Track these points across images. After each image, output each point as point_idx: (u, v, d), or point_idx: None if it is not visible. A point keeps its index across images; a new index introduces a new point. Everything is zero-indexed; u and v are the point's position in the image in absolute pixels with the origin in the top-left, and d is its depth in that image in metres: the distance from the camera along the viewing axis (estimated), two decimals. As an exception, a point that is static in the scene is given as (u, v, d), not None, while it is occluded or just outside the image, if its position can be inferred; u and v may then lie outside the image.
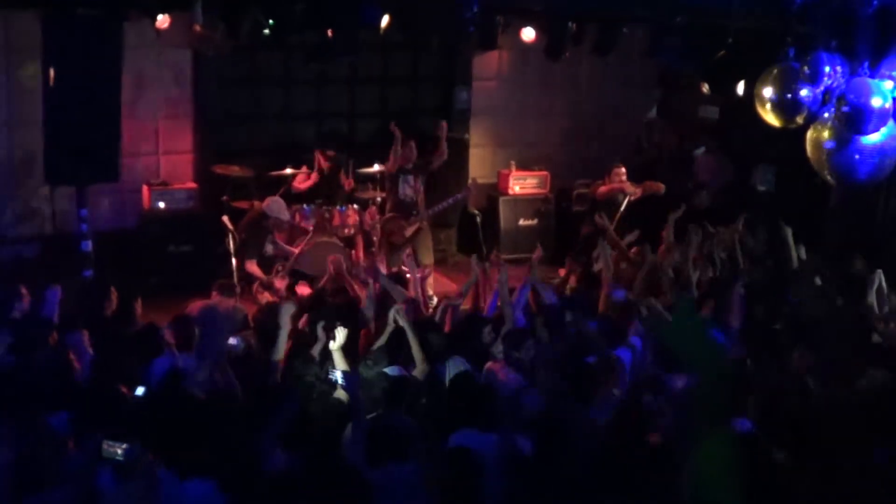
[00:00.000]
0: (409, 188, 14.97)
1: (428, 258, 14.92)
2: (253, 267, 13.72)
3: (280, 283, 13.35)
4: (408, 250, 13.75)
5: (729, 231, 14.05)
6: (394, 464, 7.06)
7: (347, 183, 15.56)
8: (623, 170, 15.27)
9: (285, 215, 13.99)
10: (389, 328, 9.72)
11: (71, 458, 6.91)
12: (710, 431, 2.76)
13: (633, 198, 14.89)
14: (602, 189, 15.61)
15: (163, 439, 7.09)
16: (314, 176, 15.49)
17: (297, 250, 13.95)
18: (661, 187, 15.70)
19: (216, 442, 7.03)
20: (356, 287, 11.78)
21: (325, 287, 12.20)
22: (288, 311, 9.22)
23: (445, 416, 8.36)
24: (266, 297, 13.33)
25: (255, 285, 13.61)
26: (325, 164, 15.46)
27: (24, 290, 10.71)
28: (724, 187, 17.58)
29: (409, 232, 14.86)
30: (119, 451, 5.55)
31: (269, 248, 13.93)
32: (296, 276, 13.68)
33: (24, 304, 10.66)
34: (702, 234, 13.61)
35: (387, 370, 8.95)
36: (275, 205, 13.97)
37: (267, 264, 13.83)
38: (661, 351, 9.20)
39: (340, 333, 9.22)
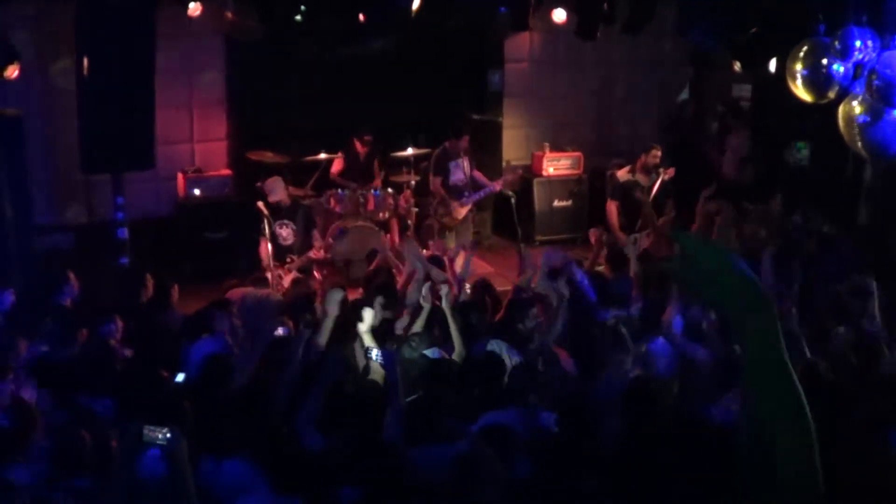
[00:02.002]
0: (461, 172, 15.04)
1: (469, 238, 15.08)
2: (262, 249, 13.67)
3: (287, 276, 13.33)
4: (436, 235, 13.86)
5: (764, 209, 14.01)
6: (431, 444, 7.10)
7: (377, 174, 15.62)
8: (658, 151, 15.16)
9: (276, 197, 13.84)
10: (425, 310, 9.73)
11: (113, 444, 6.97)
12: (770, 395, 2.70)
13: (665, 177, 14.78)
14: (621, 172, 15.49)
15: (202, 422, 7.16)
16: (340, 161, 15.52)
17: (318, 253, 13.80)
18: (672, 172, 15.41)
19: (255, 423, 7.09)
20: (400, 269, 11.79)
21: (378, 270, 12.25)
22: (335, 297, 9.19)
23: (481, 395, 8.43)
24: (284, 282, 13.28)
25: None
26: (361, 150, 15.47)
27: (71, 276, 10.84)
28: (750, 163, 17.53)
29: (460, 215, 14.96)
30: (160, 436, 5.59)
31: (282, 235, 13.81)
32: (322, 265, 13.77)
33: (74, 290, 10.78)
34: (735, 211, 13.61)
35: (426, 352, 8.97)
36: (271, 184, 13.89)
37: (281, 252, 13.80)
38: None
39: (368, 314, 9.24)
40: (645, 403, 7.62)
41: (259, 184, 14.23)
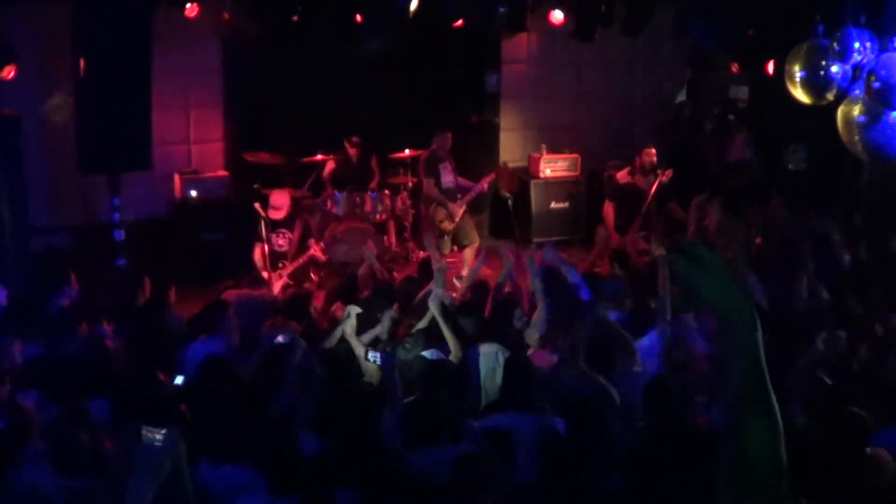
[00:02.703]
0: (450, 175, 14.99)
1: (475, 237, 15.06)
2: (256, 254, 13.68)
3: (277, 283, 13.26)
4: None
5: (763, 212, 13.99)
6: (430, 446, 7.08)
7: (376, 173, 15.59)
8: (653, 150, 15.19)
9: (279, 214, 13.85)
10: (429, 314, 9.68)
11: (110, 444, 6.95)
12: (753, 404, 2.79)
13: (663, 178, 14.79)
14: (621, 174, 15.50)
15: (200, 423, 7.14)
16: (330, 164, 15.50)
17: (317, 252, 13.82)
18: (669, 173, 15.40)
19: (253, 426, 7.07)
20: (393, 272, 11.76)
21: (357, 273, 12.18)
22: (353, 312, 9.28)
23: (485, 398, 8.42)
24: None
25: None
26: (352, 152, 15.44)
27: (73, 277, 10.83)
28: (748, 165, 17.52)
29: (458, 217, 14.90)
30: (158, 437, 5.57)
31: (278, 242, 13.77)
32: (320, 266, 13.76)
33: (73, 291, 10.76)
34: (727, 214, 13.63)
35: (425, 353, 8.94)
36: (277, 200, 13.94)
37: (275, 258, 13.74)
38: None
39: (353, 315, 9.24)
40: (666, 404, 7.60)
41: (257, 186, 14.23)
